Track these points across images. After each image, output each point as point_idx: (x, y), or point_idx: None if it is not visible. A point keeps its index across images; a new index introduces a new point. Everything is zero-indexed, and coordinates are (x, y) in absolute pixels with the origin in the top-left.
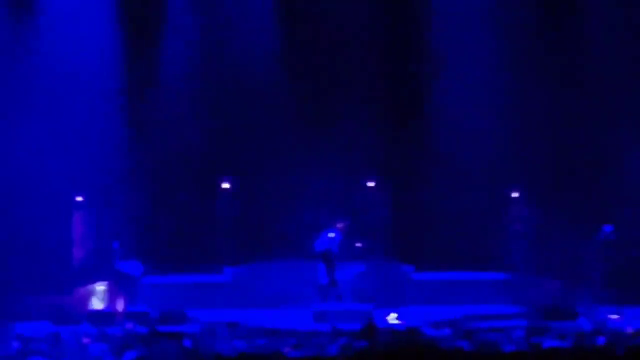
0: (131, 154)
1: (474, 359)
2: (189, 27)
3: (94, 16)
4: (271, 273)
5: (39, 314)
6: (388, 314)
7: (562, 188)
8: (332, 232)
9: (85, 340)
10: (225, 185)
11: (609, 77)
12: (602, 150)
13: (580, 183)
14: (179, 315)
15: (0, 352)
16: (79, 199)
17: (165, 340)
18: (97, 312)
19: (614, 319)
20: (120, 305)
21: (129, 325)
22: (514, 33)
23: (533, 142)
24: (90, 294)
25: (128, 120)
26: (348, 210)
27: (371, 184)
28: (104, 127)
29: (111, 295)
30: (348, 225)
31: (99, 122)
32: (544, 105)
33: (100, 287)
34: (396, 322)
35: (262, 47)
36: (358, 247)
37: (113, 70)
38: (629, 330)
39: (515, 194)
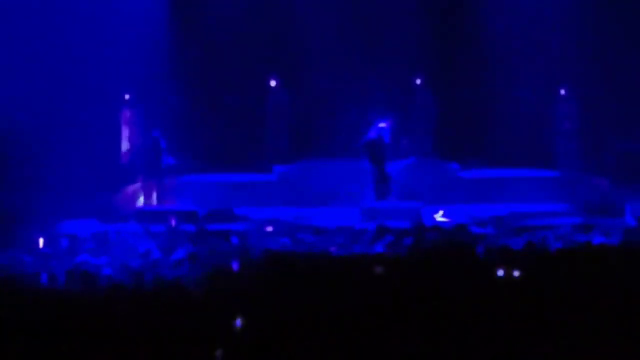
0: (180, 52)
1: (520, 256)
2: None
3: None
4: (319, 171)
5: (86, 212)
6: (435, 212)
7: (611, 85)
8: (383, 122)
9: (133, 237)
10: (273, 83)
11: None
12: None
13: (629, 80)
14: (227, 214)
15: (49, 249)
16: (127, 96)
17: (213, 238)
18: (145, 209)
19: None
20: (166, 203)
21: (177, 223)
22: None
23: (582, 38)
24: (138, 191)
25: (177, 17)
26: (395, 107)
27: (418, 81)
28: (153, 24)
29: (158, 193)
30: (393, 123)
31: (148, 21)
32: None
33: (147, 184)
34: (443, 219)
35: None
36: (404, 144)
37: None
38: None
39: (563, 91)
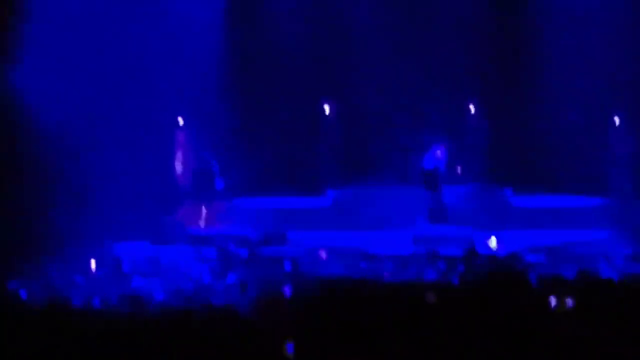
0: (234, 75)
1: (573, 285)
2: None
3: None
4: (372, 196)
5: (139, 234)
6: (488, 239)
7: None
8: (439, 149)
9: (185, 261)
10: (327, 108)
11: None
12: None
13: None
14: (279, 238)
15: (101, 271)
16: (181, 120)
17: (265, 263)
18: (198, 233)
19: None
20: (219, 226)
21: (230, 247)
22: None
23: (638, 65)
24: (191, 214)
25: (232, 40)
26: (448, 133)
27: (472, 106)
28: (208, 47)
29: (211, 217)
30: (448, 148)
31: (203, 43)
32: None
33: (201, 208)
34: (496, 247)
35: None
36: (457, 170)
37: None
38: None
39: (617, 118)
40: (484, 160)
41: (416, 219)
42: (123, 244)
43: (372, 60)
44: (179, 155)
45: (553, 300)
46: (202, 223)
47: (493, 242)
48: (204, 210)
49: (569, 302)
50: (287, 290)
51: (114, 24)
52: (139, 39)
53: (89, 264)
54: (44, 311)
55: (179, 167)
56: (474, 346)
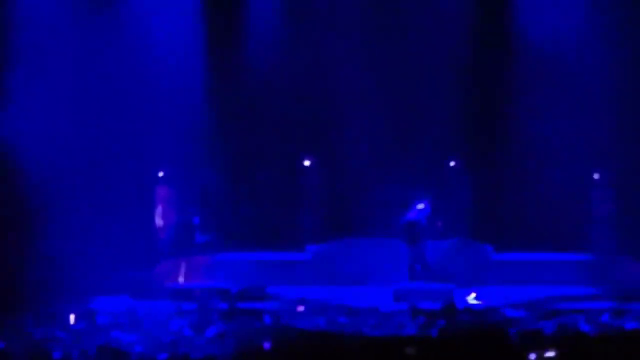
0: (213, 130)
1: (553, 341)
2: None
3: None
4: (352, 251)
5: (119, 289)
6: (468, 294)
7: None
8: (422, 203)
9: (165, 316)
10: (307, 163)
11: None
12: None
13: None
14: (259, 292)
15: (81, 325)
16: (161, 174)
17: (245, 317)
18: (177, 287)
19: None
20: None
21: (210, 301)
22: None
23: (618, 122)
24: (171, 269)
25: (212, 95)
26: (429, 189)
27: (453, 163)
28: (187, 102)
29: (191, 271)
30: (429, 204)
31: (182, 99)
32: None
33: (181, 262)
34: (476, 302)
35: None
36: (439, 225)
37: (197, 45)
38: None
39: (597, 176)
40: (465, 216)
41: (395, 274)
42: (103, 298)
43: (353, 115)
44: (159, 210)
45: (532, 355)
46: (181, 277)
47: (473, 297)
48: (184, 265)
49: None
50: (266, 344)
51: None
52: (117, 94)
53: (68, 318)
54: None
55: (159, 221)
56: None
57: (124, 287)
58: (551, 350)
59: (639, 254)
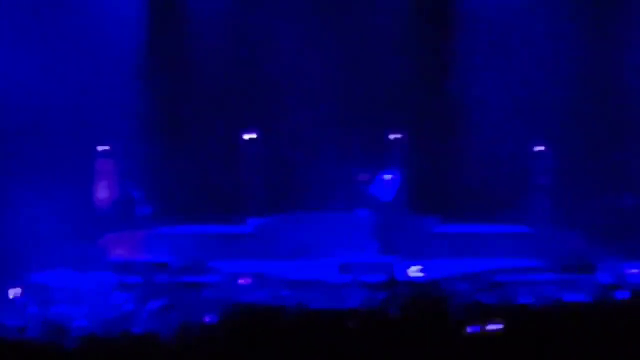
0: (155, 105)
1: (493, 312)
2: None
3: None
4: (295, 225)
5: (61, 262)
6: (410, 267)
7: (587, 142)
8: (389, 174)
9: (107, 289)
10: (249, 136)
11: None
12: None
13: (604, 138)
14: (200, 266)
15: (22, 299)
16: (101, 148)
17: (186, 290)
18: (120, 261)
19: (634, 274)
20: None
21: (152, 275)
22: None
23: (560, 95)
24: (113, 242)
25: (152, 71)
26: (372, 162)
27: (395, 136)
28: (126, 77)
29: (133, 244)
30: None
31: (121, 73)
32: (576, 59)
33: (123, 236)
34: (418, 274)
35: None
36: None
37: (135, 21)
38: None
39: (540, 148)
40: (407, 189)
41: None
42: (45, 271)
43: (294, 89)
44: (100, 184)
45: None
46: (124, 251)
47: (415, 270)
48: (126, 238)
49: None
50: (208, 318)
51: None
52: (58, 69)
53: (10, 292)
54: None
55: (100, 195)
56: None
57: (67, 260)
58: (492, 323)
59: (579, 226)
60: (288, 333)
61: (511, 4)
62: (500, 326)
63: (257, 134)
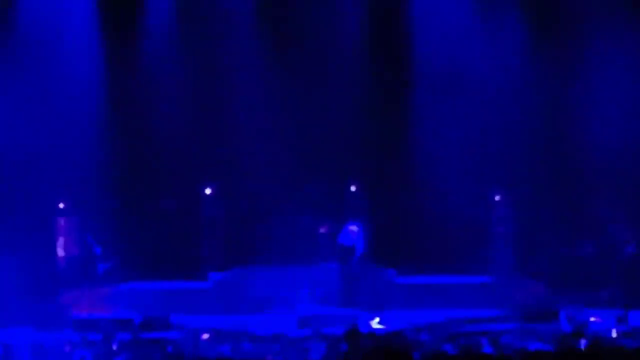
0: (113, 161)
1: None
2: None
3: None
4: (255, 278)
5: (22, 319)
6: (371, 319)
7: (545, 190)
8: (354, 225)
9: (69, 346)
10: (208, 191)
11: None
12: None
13: (563, 185)
14: (162, 321)
15: None
16: (62, 205)
17: (148, 347)
18: (81, 318)
19: (596, 322)
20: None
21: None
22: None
23: (516, 144)
24: (74, 299)
25: (111, 124)
26: (331, 214)
27: (353, 188)
28: (86, 134)
29: (95, 301)
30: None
31: (80, 130)
32: (532, 108)
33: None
34: (379, 326)
35: (242, 54)
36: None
37: (94, 77)
38: (613, 333)
39: (497, 197)
40: (367, 241)
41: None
42: (6, 330)
43: (251, 144)
44: (60, 241)
45: None
46: (85, 308)
47: (376, 321)
48: (87, 295)
49: None
50: None
51: None
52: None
53: None
54: None
55: (61, 251)
56: None
57: (28, 318)
58: None
59: (539, 274)
60: None
61: (465, 56)
62: None
63: (215, 188)
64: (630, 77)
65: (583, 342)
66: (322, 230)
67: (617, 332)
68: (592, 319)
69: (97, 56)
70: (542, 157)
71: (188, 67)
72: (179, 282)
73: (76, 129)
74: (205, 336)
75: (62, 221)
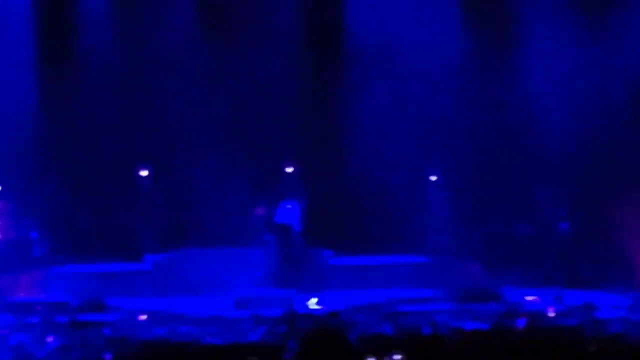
0: (49, 144)
1: (394, 343)
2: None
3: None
4: (191, 260)
5: None
6: (308, 300)
7: (482, 171)
8: (290, 204)
9: (5, 330)
10: (144, 173)
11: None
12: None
13: (499, 165)
14: (98, 304)
15: None
16: None
17: (85, 329)
18: (17, 301)
19: (532, 301)
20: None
21: (50, 314)
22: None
23: (452, 124)
24: (9, 282)
25: (47, 107)
26: (267, 196)
27: (289, 169)
28: (21, 117)
29: (30, 284)
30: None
31: (16, 113)
32: (467, 89)
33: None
34: (316, 307)
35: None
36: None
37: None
38: (550, 312)
39: (434, 177)
40: (303, 220)
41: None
42: None
43: (188, 125)
44: None
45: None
46: (21, 291)
47: (313, 302)
48: (23, 279)
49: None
50: (107, 356)
51: None
52: None
53: None
54: None
55: None
56: None
57: None
58: (392, 353)
59: (475, 254)
60: None
61: (401, 35)
62: (400, 356)
63: (151, 170)
64: (567, 57)
65: (520, 321)
66: (258, 211)
67: (554, 311)
68: (528, 298)
69: (31, 37)
70: (479, 137)
71: (124, 50)
72: (115, 265)
73: (11, 112)
74: (143, 318)
75: None
